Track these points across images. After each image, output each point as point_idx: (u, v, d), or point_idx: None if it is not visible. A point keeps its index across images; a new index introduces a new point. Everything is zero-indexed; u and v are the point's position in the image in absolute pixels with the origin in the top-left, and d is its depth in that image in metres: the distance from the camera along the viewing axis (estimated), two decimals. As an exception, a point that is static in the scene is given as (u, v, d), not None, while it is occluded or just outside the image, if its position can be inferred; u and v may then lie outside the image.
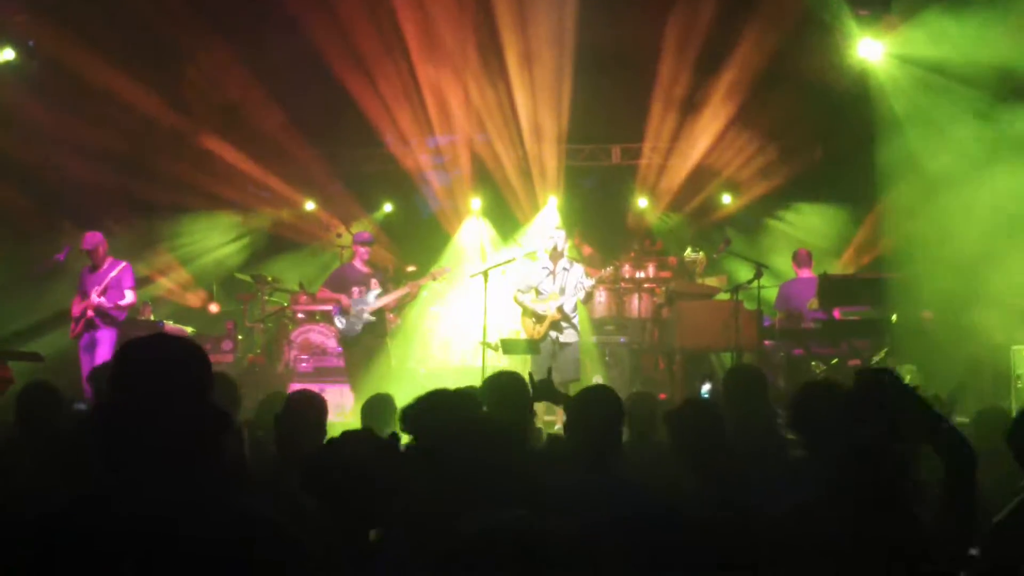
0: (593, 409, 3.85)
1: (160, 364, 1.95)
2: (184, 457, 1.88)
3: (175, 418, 1.88)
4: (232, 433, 2.42)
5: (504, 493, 2.89)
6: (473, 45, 12.35)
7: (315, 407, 4.68)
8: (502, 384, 4.52)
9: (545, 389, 4.69)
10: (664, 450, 4.39)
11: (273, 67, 12.11)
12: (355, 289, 9.53)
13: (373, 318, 9.47)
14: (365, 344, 9.54)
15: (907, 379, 8.48)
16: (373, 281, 9.58)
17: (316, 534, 2.82)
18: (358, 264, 9.72)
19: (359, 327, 9.48)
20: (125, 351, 2.01)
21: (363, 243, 9.80)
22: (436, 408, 3.48)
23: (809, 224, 13.04)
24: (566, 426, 3.99)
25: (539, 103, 12.98)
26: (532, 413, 4.75)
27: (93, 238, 9.28)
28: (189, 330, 11.07)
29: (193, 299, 13.08)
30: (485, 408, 4.09)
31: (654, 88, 12.66)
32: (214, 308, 12.49)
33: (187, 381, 1.94)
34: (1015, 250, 8.36)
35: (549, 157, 13.88)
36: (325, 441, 3.19)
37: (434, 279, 10.14)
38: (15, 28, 9.65)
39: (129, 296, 9.32)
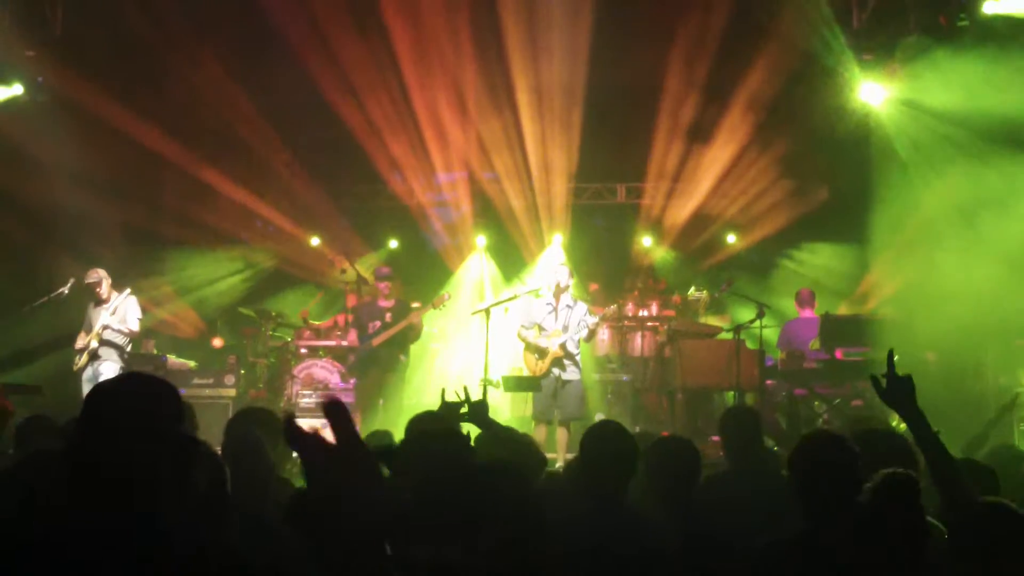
0: (607, 446, 3.76)
1: (123, 401, 1.97)
2: (147, 490, 1.89)
3: (137, 452, 1.89)
4: (203, 463, 2.42)
5: (497, 532, 2.86)
6: (483, 83, 12.43)
7: (248, 437, 4.55)
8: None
9: (477, 413, 4.60)
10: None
11: (279, 104, 12.23)
12: (370, 324, 9.80)
13: (376, 352, 9.68)
14: (372, 377, 9.81)
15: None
16: (387, 315, 9.74)
17: (296, 564, 2.80)
18: (380, 299, 9.94)
19: (363, 360, 9.82)
20: (93, 392, 2.05)
21: (379, 278, 10.04)
22: (423, 453, 3.45)
23: (816, 264, 13.01)
24: (569, 462, 3.92)
25: (548, 140, 13.05)
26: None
27: (95, 274, 9.34)
28: (191, 364, 11.06)
29: (194, 332, 13.08)
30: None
31: (659, 126, 12.72)
32: (217, 343, 12.46)
33: (149, 416, 1.95)
34: (1018, 292, 8.33)
35: (557, 195, 13.93)
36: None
37: (434, 307, 10.21)
38: (24, 64, 9.74)
39: (134, 325, 9.38)
